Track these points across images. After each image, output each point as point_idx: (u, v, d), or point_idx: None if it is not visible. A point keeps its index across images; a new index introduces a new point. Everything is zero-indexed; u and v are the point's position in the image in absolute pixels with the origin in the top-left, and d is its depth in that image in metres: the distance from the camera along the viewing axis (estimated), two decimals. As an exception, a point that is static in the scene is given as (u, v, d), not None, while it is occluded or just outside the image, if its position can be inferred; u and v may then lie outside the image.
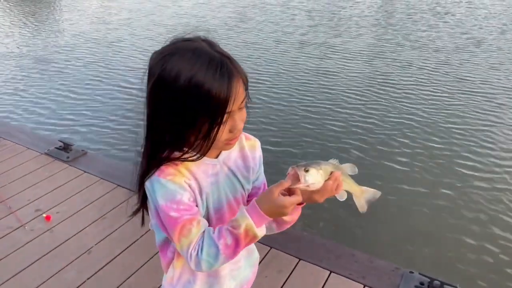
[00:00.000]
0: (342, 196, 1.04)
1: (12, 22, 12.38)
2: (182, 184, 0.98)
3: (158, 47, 0.98)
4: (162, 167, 0.98)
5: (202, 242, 0.96)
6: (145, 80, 0.98)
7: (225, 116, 0.92)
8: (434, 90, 6.26)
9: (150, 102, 0.97)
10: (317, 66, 7.43)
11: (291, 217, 1.09)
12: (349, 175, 1.07)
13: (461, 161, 4.40)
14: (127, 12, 12.76)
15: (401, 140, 4.85)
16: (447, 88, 6.35)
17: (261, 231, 0.97)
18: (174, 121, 0.93)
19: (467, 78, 6.75)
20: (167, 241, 1.09)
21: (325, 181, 0.98)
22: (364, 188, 1.11)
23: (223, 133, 0.95)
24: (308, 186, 0.95)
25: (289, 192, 0.97)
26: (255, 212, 0.96)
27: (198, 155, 0.99)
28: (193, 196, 1.01)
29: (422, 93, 6.16)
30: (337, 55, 8.06)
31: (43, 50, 8.99)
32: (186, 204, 0.98)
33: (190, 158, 0.99)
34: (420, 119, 5.34)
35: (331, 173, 0.99)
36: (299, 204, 1.06)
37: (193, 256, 0.96)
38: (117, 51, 8.70)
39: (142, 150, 1.03)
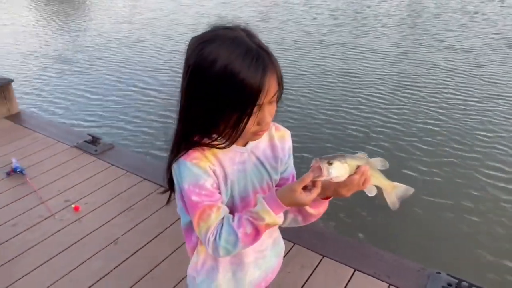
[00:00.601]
0: (371, 191, 1.01)
1: (40, 21, 12.77)
2: (206, 169, 0.99)
3: (182, 46, 1.00)
4: (190, 151, 1.00)
5: (221, 228, 0.98)
6: (182, 64, 0.98)
7: (255, 108, 0.93)
8: (461, 93, 6.06)
9: (185, 86, 0.98)
10: (339, 67, 7.31)
11: (317, 211, 1.08)
12: (380, 170, 1.03)
13: (490, 163, 4.28)
14: (150, 11, 12.91)
15: (428, 141, 4.75)
16: (475, 91, 6.15)
17: (280, 219, 0.99)
18: (207, 107, 0.94)
19: (497, 81, 6.49)
20: (191, 225, 1.09)
21: (351, 175, 0.96)
22: (396, 183, 1.06)
23: (252, 124, 0.96)
24: (331, 178, 0.94)
25: (313, 184, 0.97)
26: (273, 202, 0.97)
27: (227, 143, 1.00)
28: (216, 182, 1.02)
29: (448, 96, 5.98)
30: (361, 55, 7.90)
31: (73, 49, 9.24)
32: (208, 190, 1.00)
33: (218, 146, 1.00)
34: (447, 121, 5.20)
35: (358, 167, 0.96)
36: (326, 198, 1.05)
37: (210, 241, 0.98)
38: (144, 49, 8.84)
39: (174, 133, 1.04)
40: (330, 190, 1.00)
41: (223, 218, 1.00)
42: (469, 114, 5.36)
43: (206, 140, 1.01)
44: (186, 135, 1.01)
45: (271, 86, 0.93)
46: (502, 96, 5.95)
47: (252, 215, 0.98)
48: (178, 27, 10.77)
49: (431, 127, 5.08)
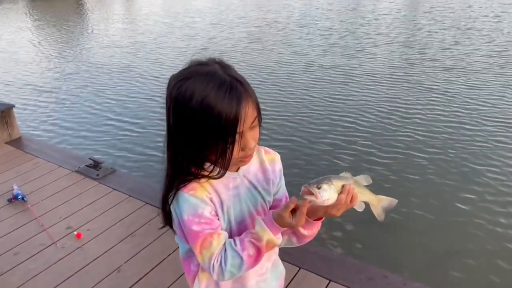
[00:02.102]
0: (360, 207, 1.07)
1: (41, 41, 12.91)
2: (204, 198, 1.03)
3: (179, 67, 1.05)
4: (187, 184, 1.04)
5: (225, 253, 1.03)
6: (165, 103, 1.03)
7: (236, 136, 0.96)
8: (452, 108, 6.04)
9: (168, 123, 1.02)
10: (329, 88, 7.11)
11: (310, 232, 1.14)
12: (365, 185, 1.09)
13: (501, 180, 4.22)
14: (150, 34, 13.02)
15: (439, 150, 4.77)
16: (467, 111, 6.14)
17: (279, 239, 1.05)
18: (191, 141, 0.99)
19: (494, 101, 6.29)
20: (191, 253, 1.12)
21: (338, 194, 1.00)
22: (380, 197, 1.13)
23: (237, 152, 0.99)
24: (323, 202, 0.99)
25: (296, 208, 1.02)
26: (271, 225, 1.02)
27: (221, 172, 1.03)
28: (214, 209, 1.06)
29: (438, 112, 5.96)
30: (352, 76, 7.66)
31: (73, 73, 9.27)
32: (208, 218, 1.03)
33: (214, 177, 1.04)
34: (452, 136, 5.17)
35: (343, 186, 1.01)
36: (318, 219, 1.10)
37: (215, 267, 1.02)
38: (148, 71, 8.90)
39: (165, 169, 1.09)
40: (321, 212, 1.05)
41: (224, 243, 1.04)
42: (464, 134, 5.30)
43: (202, 172, 1.04)
44: (176, 170, 1.05)
45: (248, 114, 0.96)
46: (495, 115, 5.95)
47: (253, 236, 1.03)
48: (189, 40, 10.97)
49: (434, 138, 5.10)
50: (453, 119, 5.61)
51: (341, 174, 1.04)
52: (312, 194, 0.98)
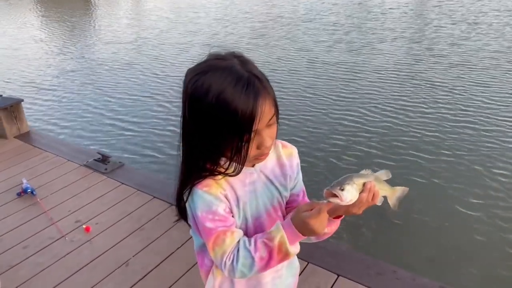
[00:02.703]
0: (379, 201, 1.05)
1: (48, 37, 12.96)
2: (218, 195, 1.01)
3: (192, 62, 1.02)
4: (202, 180, 1.02)
5: (238, 252, 1.00)
6: (181, 96, 1.01)
7: (252, 134, 0.94)
8: (458, 104, 5.96)
9: (184, 118, 1.00)
10: (342, 87, 6.93)
11: (329, 229, 1.09)
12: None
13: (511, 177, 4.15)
14: (154, 29, 12.99)
15: (448, 147, 4.70)
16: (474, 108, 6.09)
17: (293, 249, 0.99)
18: (206, 136, 0.96)
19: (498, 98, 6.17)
20: (205, 247, 1.11)
21: (360, 193, 0.98)
22: (395, 188, 1.12)
23: (252, 149, 0.97)
24: (348, 204, 0.96)
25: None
26: (289, 228, 0.98)
27: (237, 169, 1.01)
28: (229, 206, 1.04)
29: (447, 108, 5.91)
30: (359, 72, 7.55)
31: (82, 67, 9.31)
32: (221, 215, 1.01)
33: (230, 174, 1.02)
34: (461, 135, 5.07)
35: (364, 184, 0.99)
36: (337, 217, 1.07)
37: (227, 264, 1.01)
38: (154, 66, 8.88)
39: (181, 164, 1.07)
40: (341, 210, 1.02)
41: (238, 241, 1.02)
42: (474, 128, 5.24)
43: (217, 168, 1.02)
44: (193, 166, 1.03)
45: (265, 111, 0.93)
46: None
47: (267, 235, 1.00)
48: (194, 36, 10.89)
49: (443, 138, 5.01)
50: (462, 117, 5.46)
51: (362, 172, 1.02)
52: (335, 196, 0.95)
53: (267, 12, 14.19)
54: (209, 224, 1.01)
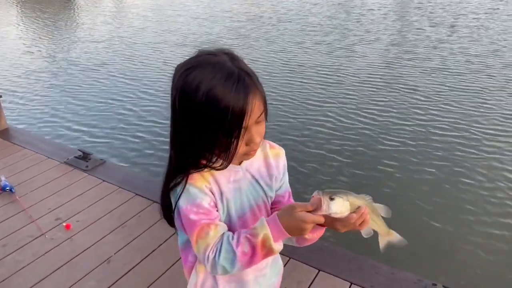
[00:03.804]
0: (367, 233, 1.02)
1: (31, 32, 12.70)
2: (203, 188, 1.01)
3: (180, 58, 1.02)
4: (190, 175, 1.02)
5: (221, 246, 0.99)
6: (170, 91, 1.01)
7: (242, 130, 0.94)
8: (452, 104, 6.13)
9: (174, 113, 1.00)
10: (319, 91, 6.93)
11: (312, 235, 1.07)
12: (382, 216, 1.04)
13: (488, 175, 4.27)
14: (128, 28, 12.85)
15: (424, 151, 4.80)
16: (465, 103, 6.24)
17: (277, 246, 0.98)
18: (195, 132, 0.96)
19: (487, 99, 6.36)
20: (189, 243, 1.10)
21: (351, 213, 0.95)
22: (392, 231, 1.09)
23: (241, 146, 0.98)
24: (330, 214, 0.94)
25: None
26: (274, 225, 0.97)
27: (223, 164, 1.01)
28: (213, 200, 1.03)
29: (432, 107, 6.05)
30: (339, 76, 7.41)
31: (62, 64, 9.16)
32: (206, 208, 1.01)
33: (217, 168, 1.02)
34: (439, 132, 5.24)
35: (358, 207, 0.96)
36: (322, 225, 1.04)
37: (210, 258, 0.99)
38: (136, 62, 8.82)
39: (168, 159, 1.07)
40: (327, 221, 0.98)
41: (222, 235, 1.01)
42: (461, 128, 5.38)
43: (204, 161, 1.02)
44: (182, 160, 1.02)
45: (255, 107, 0.94)
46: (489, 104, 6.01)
47: (251, 231, 0.99)
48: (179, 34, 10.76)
49: (424, 136, 5.13)
50: (447, 119, 5.52)
51: (362, 195, 0.99)
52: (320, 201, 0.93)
53: (245, 11, 14.09)
54: (193, 217, 1.00)
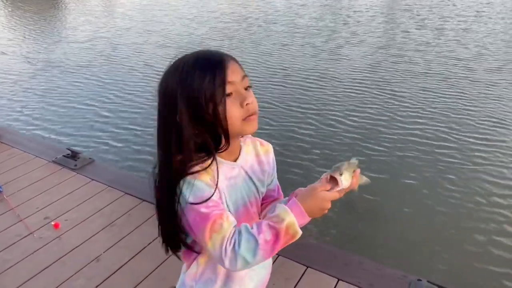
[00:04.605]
0: (365, 183, 1.11)
1: (19, 30, 12.53)
2: (208, 182, 1.00)
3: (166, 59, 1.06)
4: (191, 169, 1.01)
5: (239, 236, 0.95)
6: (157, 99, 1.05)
7: (228, 85, 0.97)
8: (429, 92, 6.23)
9: (163, 106, 1.03)
10: (302, 95, 6.74)
11: (300, 222, 1.07)
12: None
13: (470, 168, 4.38)
14: (110, 28, 12.76)
15: (410, 145, 4.87)
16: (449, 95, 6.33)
17: (300, 231, 0.98)
18: (190, 107, 0.98)
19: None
20: (194, 243, 1.09)
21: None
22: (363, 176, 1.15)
23: (234, 108, 0.99)
24: (343, 188, 1.00)
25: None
26: (297, 209, 0.97)
27: (226, 142, 1.02)
28: (218, 194, 1.02)
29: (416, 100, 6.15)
30: (325, 82, 7.22)
31: (51, 59, 9.08)
32: (214, 201, 0.99)
33: (222, 147, 1.02)
34: (427, 129, 5.32)
35: (354, 171, 1.04)
36: None
37: (228, 251, 0.94)
38: (125, 61, 8.75)
39: (158, 161, 1.06)
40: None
41: (234, 226, 0.98)
42: (449, 119, 5.50)
43: (204, 155, 1.02)
44: (184, 154, 1.01)
45: (234, 67, 1.00)
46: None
47: (271, 219, 0.97)
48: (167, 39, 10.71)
49: (411, 132, 5.20)
50: (431, 122, 5.58)
51: (352, 160, 1.05)
52: (333, 180, 0.99)
53: (231, 12, 13.94)
54: (204, 210, 0.97)
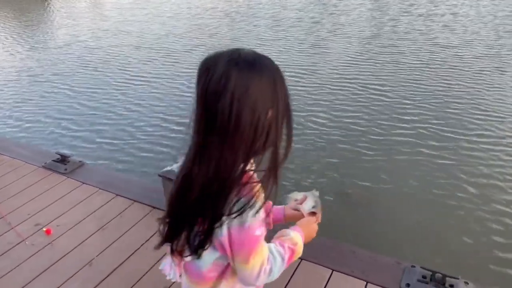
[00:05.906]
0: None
1: (6, 36, 12.37)
2: (262, 201, 0.94)
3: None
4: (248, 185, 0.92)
5: (273, 257, 1.02)
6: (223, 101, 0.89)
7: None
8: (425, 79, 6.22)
9: (225, 122, 0.88)
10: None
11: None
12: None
13: (462, 159, 4.38)
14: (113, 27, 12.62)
15: (402, 134, 4.89)
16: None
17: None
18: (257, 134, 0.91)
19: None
20: (221, 261, 1.02)
21: (317, 213, 1.22)
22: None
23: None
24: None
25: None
26: (303, 235, 1.12)
27: (286, 154, 0.98)
28: None
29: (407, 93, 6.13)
30: (314, 75, 7.19)
31: (38, 67, 8.97)
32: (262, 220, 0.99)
33: (281, 160, 0.96)
34: (418, 114, 5.33)
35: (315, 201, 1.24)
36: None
37: (267, 271, 0.99)
38: (113, 63, 8.67)
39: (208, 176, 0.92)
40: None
41: (270, 247, 1.04)
42: (441, 107, 5.50)
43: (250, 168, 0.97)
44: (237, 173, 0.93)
45: None
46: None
47: (289, 241, 1.07)
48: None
49: (403, 118, 5.20)
50: (422, 103, 5.71)
51: (313, 191, 1.23)
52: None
53: (212, 7, 13.69)
54: (258, 232, 0.94)
